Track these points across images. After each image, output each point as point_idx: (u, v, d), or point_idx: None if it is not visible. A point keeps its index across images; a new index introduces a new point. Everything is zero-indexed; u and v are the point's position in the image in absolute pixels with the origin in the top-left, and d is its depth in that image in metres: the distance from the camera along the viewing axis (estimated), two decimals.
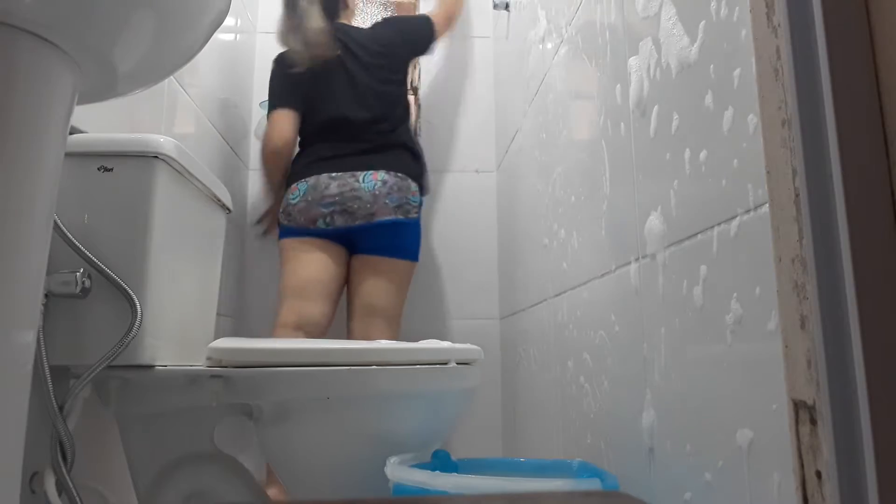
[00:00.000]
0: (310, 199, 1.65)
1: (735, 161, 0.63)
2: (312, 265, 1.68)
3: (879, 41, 0.51)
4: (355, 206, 1.63)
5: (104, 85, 0.64)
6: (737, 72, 0.63)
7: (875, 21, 0.51)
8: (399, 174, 1.69)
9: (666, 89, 0.80)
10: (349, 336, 1.72)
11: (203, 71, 1.61)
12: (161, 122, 1.31)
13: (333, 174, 1.66)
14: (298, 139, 1.80)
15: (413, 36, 1.88)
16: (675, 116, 0.77)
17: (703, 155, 0.70)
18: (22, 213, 0.54)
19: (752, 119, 0.60)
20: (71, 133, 0.94)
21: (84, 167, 0.93)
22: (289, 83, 1.77)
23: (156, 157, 0.95)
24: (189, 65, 1.38)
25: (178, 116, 1.41)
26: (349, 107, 1.73)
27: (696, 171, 0.72)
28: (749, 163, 0.61)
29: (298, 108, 1.75)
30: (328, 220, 1.64)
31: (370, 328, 1.68)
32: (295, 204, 1.66)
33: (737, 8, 0.64)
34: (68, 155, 0.90)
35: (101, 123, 1.04)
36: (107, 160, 0.94)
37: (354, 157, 1.69)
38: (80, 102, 0.64)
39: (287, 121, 1.74)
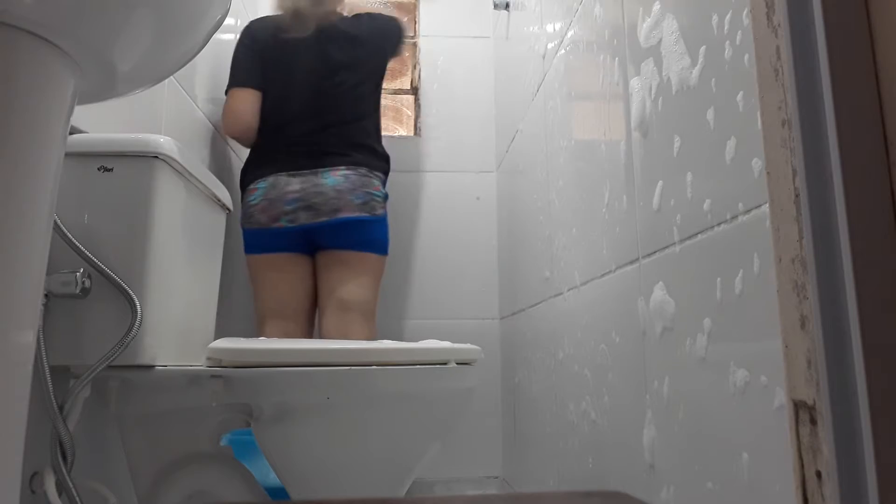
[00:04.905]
0: (271, 196, 1.58)
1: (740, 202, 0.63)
2: (288, 285, 1.64)
3: (879, 41, 0.51)
4: (319, 201, 1.56)
5: (104, 85, 0.64)
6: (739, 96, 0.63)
7: (875, 21, 0.51)
8: (361, 169, 1.62)
9: (667, 108, 0.80)
10: (322, 335, 1.64)
11: (203, 71, 1.61)
12: (161, 122, 1.31)
13: (293, 172, 1.59)
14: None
15: (384, 39, 1.76)
16: (677, 138, 0.77)
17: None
18: (22, 214, 0.54)
19: (757, 163, 0.60)
20: (71, 133, 0.94)
21: (84, 167, 0.93)
22: (258, 59, 1.66)
23: (156, 157, 0.95)
24: (189, 65, 1.38)
25: (177, 116, 1.41)
26: (316, 104, 1.64)
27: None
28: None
29: (262, 88, 1.66)
30: (291, 217, 1.56)
31: (347, 325, 1.61)
32: (256, 204, 1.59)
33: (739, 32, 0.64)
34: (68, 155, 0.90)
35: (101, 123, 1.04)
36: (107, 160, 0.94)
37: (315, 157, 1.61)
38: (80, 102, 0.64)
39: (250, 102, 1.64)
